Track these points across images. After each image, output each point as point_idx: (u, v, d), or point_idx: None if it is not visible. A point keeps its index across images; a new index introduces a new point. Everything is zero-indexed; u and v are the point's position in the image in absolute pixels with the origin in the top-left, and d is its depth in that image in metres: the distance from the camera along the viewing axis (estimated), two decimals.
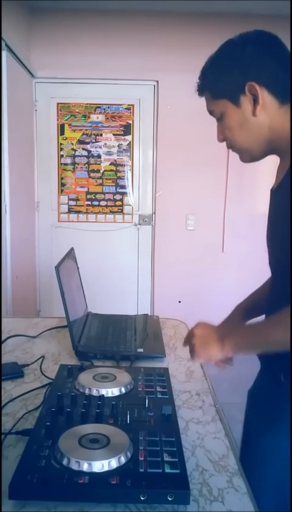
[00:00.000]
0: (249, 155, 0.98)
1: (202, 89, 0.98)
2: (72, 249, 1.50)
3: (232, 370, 0.88)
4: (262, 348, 0.96)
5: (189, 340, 1.03)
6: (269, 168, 3.96)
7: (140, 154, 3.57)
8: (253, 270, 3.66)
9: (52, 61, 3.40)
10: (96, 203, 3.59)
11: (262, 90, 0.89)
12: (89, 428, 0.82)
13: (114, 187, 3.59)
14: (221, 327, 1.09)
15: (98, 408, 0.88)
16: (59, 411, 0.87)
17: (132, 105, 3.51)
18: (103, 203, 3.60)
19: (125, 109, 3.52)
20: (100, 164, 3.56)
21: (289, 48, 0.92)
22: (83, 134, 3.53)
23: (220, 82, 0.93)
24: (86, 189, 3.58)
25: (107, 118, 3.52)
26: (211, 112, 0.98)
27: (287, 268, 0.86)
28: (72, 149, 3.54)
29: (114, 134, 3.54)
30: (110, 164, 3.56)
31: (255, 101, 0.90)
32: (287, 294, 0.85)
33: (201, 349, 0.99)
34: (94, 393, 0.97)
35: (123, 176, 3.59)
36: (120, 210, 3.61)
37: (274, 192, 0.98)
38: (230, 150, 1.00)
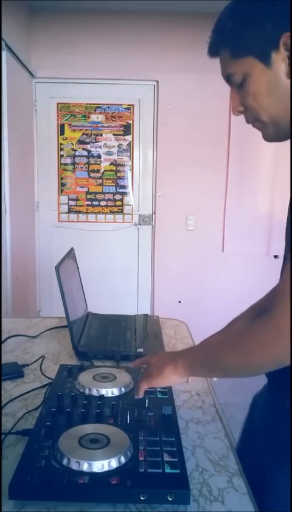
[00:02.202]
0: (276, 130, 0.81)
1: (218, 47, 0.81)
2: (72, 249, 1.50)
3: None
4: (215, 371, 0.83)
5: (146, 370, 0.92)
6: (269, 167, 3.97)
7: (140, 154, 3.57)
8: (253, 271, 3.68)
9: (52, 61, 3.40)
10: (96, 203, 3.59)
11: None
12: (89, 428, 0.82)
13: (114, 187, 3.59)
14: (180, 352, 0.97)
15: (98, 408, 0.88)
16: (59, 411, 0.87)
17: (132, 105, 3.51)
18: (103, 203, 3.60)
19: (125, 109, 3.52)
20: (100, 164, 3.56)
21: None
22: (83, 134, 3.53)
23: (246, 35, 0.76)
24: (86, 189, 3.58)
25: (107, 118, 3.52)
26: (229, 77, 0.81)
27: None
28: (72, 149, 3.54)
29: (114, 134, 3.54)
30: (110, 164, 3.56)
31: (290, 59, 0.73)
32: None
33: (156, 375, 0.87)
34: (94, 393, 0.97)
35: (123, 176, 3.59)
36: (120, 210, 3.61)
37: None
38: (251, 126, 0.85)
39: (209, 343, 0.83)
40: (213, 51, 0.82)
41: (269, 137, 0.84)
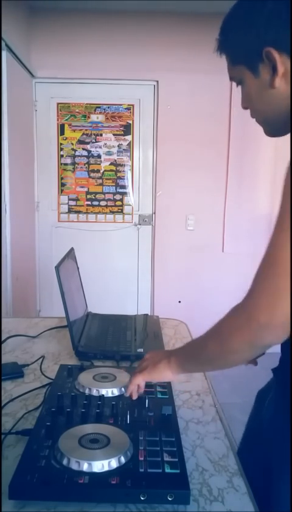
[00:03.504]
0: (271, 128, 0.86)
1: (220, 49, 0.85)
2: (72, 249, 1.50)
3: (232, 369, 0.86)
4: (202, 363, 0.86)
5: (139, 366, 0.94)
6: (269, 167, 3.96)
7: (140, 154, 3.57)
8: (253, 270, 3.66)
9: (52, 61, 3.40)
10: (96, 203, 3.59)
11: (282, 57, 0.75)
12: (89, 428, 0.82)
13: (114, 187, 3.59)
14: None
15: (98, 408, 0.88)
16: (59, 411, 0.87)
17: (132, 105, 3.51)
18: (103, 203, 3.60)
19: (125, 109, 3.52)
20: (100, 164, 3.56)
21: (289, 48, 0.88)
22: (83, 134, 3.53)
23: (237, 46, 0.80)
24: (86, 189, 3.58)
25: (107, 118, 3.52)
26: (231, 78, 0.87)
27: None
28: (72, 149, 3.54)
29: (114, 134, 3.54)
30: (110, 164, 3.56)
31: (274, 70, 0.76)
32: None
33: (150, 369, 0.90)
34: (94, 393, 0.97)
35: (123, 176, 3.59)
36: (120, 210, 3.61)
37: None
38: (255, 121, 0.88)
39: (199, 337, 0.86)
40: (219, 51, 0.86)
41: (267, 133, 0.89)
